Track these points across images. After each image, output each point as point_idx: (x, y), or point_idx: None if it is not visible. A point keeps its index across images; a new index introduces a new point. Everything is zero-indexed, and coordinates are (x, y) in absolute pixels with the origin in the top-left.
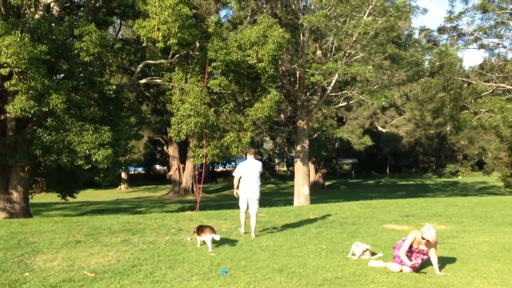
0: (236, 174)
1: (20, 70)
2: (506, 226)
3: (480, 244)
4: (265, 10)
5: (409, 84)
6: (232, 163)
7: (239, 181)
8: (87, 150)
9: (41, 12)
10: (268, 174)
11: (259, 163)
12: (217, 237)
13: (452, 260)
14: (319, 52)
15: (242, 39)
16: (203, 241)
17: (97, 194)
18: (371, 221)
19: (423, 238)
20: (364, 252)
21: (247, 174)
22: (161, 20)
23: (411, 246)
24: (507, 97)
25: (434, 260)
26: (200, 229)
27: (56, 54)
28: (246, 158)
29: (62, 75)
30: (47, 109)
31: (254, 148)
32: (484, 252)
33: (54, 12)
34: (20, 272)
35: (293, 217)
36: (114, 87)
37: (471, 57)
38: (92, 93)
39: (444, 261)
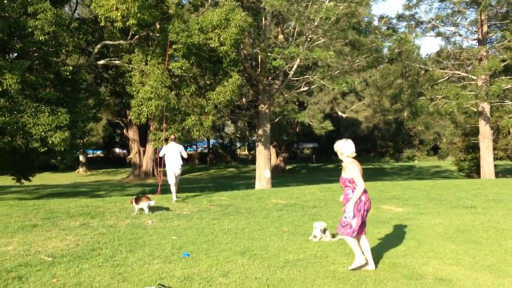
0: (161, 153)
1: None
2: (460, 208)
3: (436, 226)
4: None
5: (369, 70)
6: (194, 146)
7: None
8: (43, 132)
9: None
10: (229, 158)
11: (180, 146)
12: (152, 202)
13: (409, 241)
14: (281, 37)
15: (204, 22)
16: (141, 209)
17: (54, 178)
18: (331, 204)
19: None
20: (324, 232)
21: (170, 154)
22: None
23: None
24: (462, 84)
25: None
26: (137, 199)
27: (8, 33)
28: (204, 142)
29: (16, 54)
30: (0, 89)
31: (173, 135)
32: (439, 233)
33: None
34: None
35: (255, 201)
36: (71, 67)
37: (428, 45)
38: (47, 74)
39: (401, 243)
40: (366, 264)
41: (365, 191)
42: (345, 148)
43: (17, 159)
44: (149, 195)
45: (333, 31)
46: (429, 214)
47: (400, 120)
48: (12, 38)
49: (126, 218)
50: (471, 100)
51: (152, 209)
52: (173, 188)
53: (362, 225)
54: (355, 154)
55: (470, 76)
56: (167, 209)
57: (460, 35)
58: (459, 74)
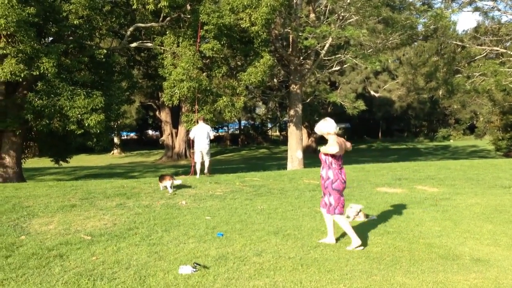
0: (191, 135)
1: (8, 33)
2: (498, 188)
3: (473, 206)
4: None
5: (403, 48)
6: (225, 127)
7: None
8: (79, 115)
9: None
10: (260, 139)
11: (208, 126)
12: (177, 182)
13: (444, 221)
14: (312, 15)
15: (235, 1)
16: (165, 186)
17: (90, 159)
18: (364, 184)
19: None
20: (358, 213)
21: (199, 134)
22: None
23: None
24: (500, 60)
25: None
26: (161, 178)
27: (44, 17)
28: (236, 123)
29: (51, 38)
30: (37, 73)
31: (203, 116)
32: (476, 213)
33: None
34: (16, 235)
35: (287, 181)
36: (105, 51)
37: (465, 21)
38: (82, 57)
39: (436, 223)
40: (360, 245)
41: (337, 171)
42: (329, 127)
43: (55, 142)
44: (182, 176)
45: (366, 8)
46: (465, 194)
47: (435, 99)
48: (48, 23)
49: (160, 199)
50: (510, 77)
51: (176, 187)
52: (198, 166)
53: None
54: (337, 130)
55: (509, 52)
56: (189, 187)
57: (499, 10)
58: (497, 50)
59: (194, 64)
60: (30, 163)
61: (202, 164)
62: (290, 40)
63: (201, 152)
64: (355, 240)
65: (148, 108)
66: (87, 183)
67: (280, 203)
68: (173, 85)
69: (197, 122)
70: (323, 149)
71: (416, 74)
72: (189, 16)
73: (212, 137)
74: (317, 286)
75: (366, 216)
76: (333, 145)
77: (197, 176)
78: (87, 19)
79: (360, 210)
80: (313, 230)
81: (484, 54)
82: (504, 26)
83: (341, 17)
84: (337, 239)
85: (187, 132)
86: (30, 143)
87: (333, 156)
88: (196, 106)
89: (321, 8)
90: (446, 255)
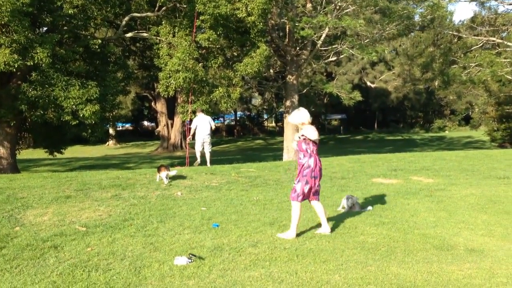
0: (192, 125)
1: (2, 22)
2: (493, 179)
3: (467, 197)
4: None
5: (399, 38)
6: (221, 118)
7: (195, 131)
8: (74, 106)
9: None
10: (256, 129)
11: (209, 117)
12: (171, 173)
13: (439, 212)
14: (309, 5)
15: None
16: (160, 177)
17: (85, 150)
18: (360, 175)
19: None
20: (353, 204)
21: (200, 125)
22: None
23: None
24: (496, 51)
25: None
26: (158, 169)
27: (38, 7)
28: (231, 114)
29: (46, 28)
30: (31, 63)
31: (200, 108)
32: (471, 204)
33: None
34: (10, 226)
35: (283, 172)
36: (100, 41)
37: (461, 11)
38: (77, 47)
39: (431, 213)
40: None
41: (317, 159)
42: (303, 117)
43: (50, 132)
44: (178, 167)
45: None
46: (460, 185)
47: (430, 90)
48: (42, 12)
49: (156, 190)
50: (506, 67)
51: (172, 178)
52: (198, 154)
53: (314, 192)
54: (311, 119)
55: (505, 42)
56: (185, 177)
57: (496, 0)
58: (493, 40)
59: (190, 55)
60: (25, 154)
61: (202, 154)
62: (287, 30)
63: (203, 142)
64: (292, 232)
65: (143, 99)
66: (82, 174)
67: (276, 194)
68: (168, 75)
69: (194, 113)
70: (307, 134)
71: (412, 65)
72: (185, 6)
73: (213, 128)
74: (312, 276)
75: (362, 207)
76: (314, 131)
77: (198, 161)
78: (82, 8)
79: (356, 202)
80: (309, 220)
81: (481, 45)
82: (500, 16)
83: (338, 7)
84: (332, 229)
85: (183, 123)
86: (24, 134)
87: (314, 144)
88: (192, 97)
89: None
90: (441, 245)
